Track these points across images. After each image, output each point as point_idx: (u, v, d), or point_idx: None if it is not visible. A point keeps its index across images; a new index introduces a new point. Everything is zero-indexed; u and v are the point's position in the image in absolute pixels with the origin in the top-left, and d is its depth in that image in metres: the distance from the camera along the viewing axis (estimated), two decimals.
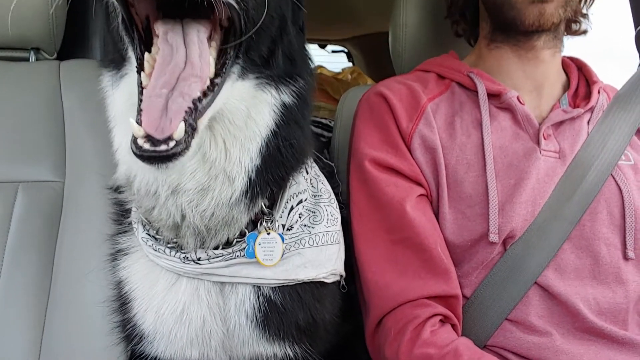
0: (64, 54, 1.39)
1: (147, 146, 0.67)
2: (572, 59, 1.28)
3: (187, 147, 0.69)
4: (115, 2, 0.71)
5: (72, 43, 1.40)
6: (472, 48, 1.36)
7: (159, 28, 0.74)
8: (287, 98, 0.87)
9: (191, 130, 0.71)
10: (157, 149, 0.67)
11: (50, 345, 1.07)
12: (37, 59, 1.36)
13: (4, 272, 1.09)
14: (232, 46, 0.77)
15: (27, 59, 1.35)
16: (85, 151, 1.20)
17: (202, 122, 0.74)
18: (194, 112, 0.71)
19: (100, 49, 1.57)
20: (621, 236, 1.06)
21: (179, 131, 0.68)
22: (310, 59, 0.97)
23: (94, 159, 1.19)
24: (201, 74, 0.73)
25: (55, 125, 1.23)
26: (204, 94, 0.74)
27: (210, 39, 0.77)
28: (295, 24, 0.93)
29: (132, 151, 0.68)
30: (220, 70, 0.77)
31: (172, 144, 0.68)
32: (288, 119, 0.87)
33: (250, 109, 0.84)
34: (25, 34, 1.30)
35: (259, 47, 0.82)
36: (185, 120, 0.70)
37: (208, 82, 0.74)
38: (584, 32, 1.24)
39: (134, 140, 0.68)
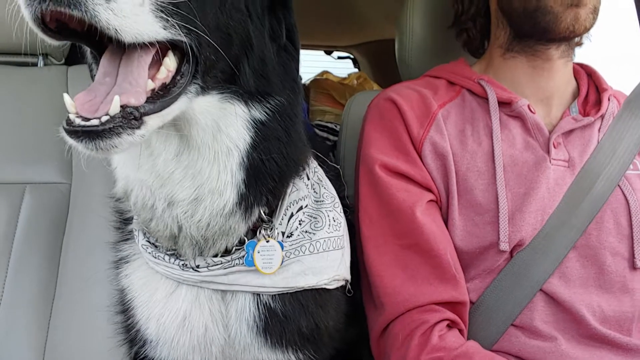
0: (71, 60, 1.40)
1: (78, 121, 0.66)
2: (581, 65, 1.27)
3: (123, 130, 0.67)
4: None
5: (79, 49, 1.41)
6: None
7: (105, 56, 0.74)
8: (259, 114, 0.86)
9: (133, 118, 0.69)
10: (88, 123, 0.66)
11: (55, 346, 1.07)
12: (45, 64, 1.38)
13: (10, 272, 1.10)
14: (188, 67, 0.76)
15: (35, 64, 1.37)
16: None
17: (153, 120, 0.72)
18: (138, 108, 0.70)
19: None
20: (629, 246, 1.05)
21: (113, 107, 0.67)
22: (294, 77, 0.94)
23: (100, 161, 1.19)
24: (137, 87, 0.71)
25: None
26: (153, 98, 0.73)
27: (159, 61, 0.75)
28: (276, 41, 0.92)
29: (63, 128, 0.66)
30: (173, 83, 0.76)
31: (104, 118, 0.66)
32: (266, 135, 0.86)
33: (219, 122, 0.83)
34: (34, 39, 1.31)
35: (218, 67, 0.81)
36: (124, 105, 0.68)
37: (149, 93, 0.72)
38: (581, 44, 1.24)
39: (67, 118, 0.67)
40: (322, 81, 2.49)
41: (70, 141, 0.67)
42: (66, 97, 0.69)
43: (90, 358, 1.07)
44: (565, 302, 1.01)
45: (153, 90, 0.73)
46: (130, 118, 0.68)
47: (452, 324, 1.02)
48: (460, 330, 1.02)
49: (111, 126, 0.66)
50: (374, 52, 3.22)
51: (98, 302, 1.07)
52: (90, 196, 1.19)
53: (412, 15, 1.41)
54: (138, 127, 0.69)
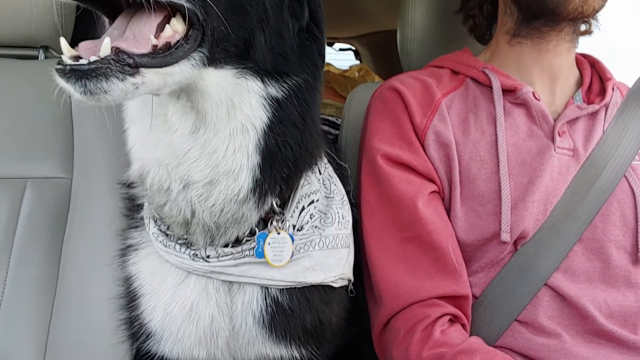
0: None
1: (69, 61, 0.66)
2: (585, 55, 1.27)
3: (113, 73, 0.66)
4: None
5: (81, 41, 1.41)
6: (480, 45, 1.35)
7: (118, 18, 0.75)
8: (275, 92, 0.84)
9: (127, 64, 0.68)
10: (77, 62, 0.66)
11: (56, 342, 1.07)
12: (46, 57, 1.37)
13: (11, 268, 1.10)
14: (194, 33, 0.75)
15: (36, 57, 1.36)
16: (93, 148, 1.21)
17: (151, 74, 0.71)
18: (133, 57, 0.69)
19: None
20: (633, 239, 1.04)
21: (103, 48, 0.66)
22: (314, 60, 0.93)
23: (102, 156, 1.19)
24: (140, 38, 0.71)
25: (63, 122, 1.23)
26: (152, 54, 0.72)
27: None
28: (297, 20, 0.90)
29: (54, 69, 0.66)
30: (177, 46, 0.74)
31: (93, 58, 0.66)
32: (282, 117, 0.85)
33: (233, 98, 0.82)
34: (34, 32, 1.31)
35: (230, 40, 0.79)
36: (118, 49, 0.67)
37: (150, 49, 0.72)
38: (590, 32, 1.23)
39: (60, 60, 0.67)
40: (324, 73, 2.48)
41: (59, 81, 0.66)
42: (62, 40, 0.69)
43: (92, 353, 1.08)
44: (571, 297, 1.01)
45: (155, 47, 0.72)
46: (124, 63, 0.67)
47: (454, 319, 1.01)
48: (463, 325, 1.02)
49: (99, 66, 0.66)
50: (376, 44, 3.20)
51: (100, 296, 1.07)
52: (91, 191, 1.18)
53: (414, 5, 1.40)
54: (131, 75, 0.68)
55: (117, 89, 0.67)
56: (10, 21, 1.26)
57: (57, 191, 1.18)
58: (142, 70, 0.69)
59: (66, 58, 0.67)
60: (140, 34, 0.71)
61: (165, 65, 0.72)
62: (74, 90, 0.66)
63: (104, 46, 0.66)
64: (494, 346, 1.03)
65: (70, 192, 1.19)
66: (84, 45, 0.69)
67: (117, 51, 0.67)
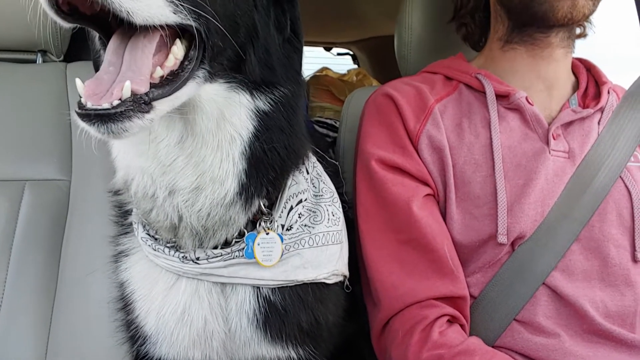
0: (70, 56, 1.40)
1: (89, 104, 0.68)
2: (580, 60, 1.27)
3: (134, 113, 0.69)
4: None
5: (78, 45, 1.41)
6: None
7: (111, 44, 0.75)
8: (263, 105, 0.87)
9: (143, 103, 0.70)
10: (99, 107, 0.67)
11: (57, 344, 1.07)
12: (44, 61, 1.38)
13: (10, 270, 1.10)
14: (195, 52, 0.78)
15: (34, 61, 1.37)
16: (91, 150, 1.21)
17: (162, 105, 0.73)
18: (147, 94, 0.71)
19: None
20: (630, 238, 1.05)
21: (125, 91, 0.68)
22: (297, 69, 0.96)
23: (100, 158, 1.19)
24: (140, 75, 0.72)
25: (61, 125, 1.24)
26: (162, 83, 0.74)
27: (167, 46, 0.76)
28: (281, 33, 0.93)
29: (75, 112, 0.68)
30: (181, 69, 0.77)
31: (116, 102, 0.68)
32: (268, 125, 0.87)
33: (224, 111, 0.84)
34: (32, 36, 1.31)
35: (225, 54, 0.82)
36: (133, 92, 0.69)
37: (157, 80, 0.74)
38: (585, 35, 1.24)
39: (79, 102, 0.69)
40: (322, 77, 2.48)
41: (83, 124, 0.68)
42: (78, 81, 0.70)
43: (92, 355, 1.07)
44: (569, 296, 1.01)
45: (162, 77, 0.74)
46: (140, 102, 0.70)
47: (452, 319, 1.01)
48: (462, 326, 1.02)
49: (122, 109, 0.68)
50: (374, 49, 3.22)
51: (99, 298, 1.07)
52: (90, 193, 1.19)
53: (412, 11, 1.41)
54: (147, 112, 0.71)
55: (136, 127, 0.70)
56: (8, 25, 1.27)
57: (56, 193, 1.18)
58: (154, 103, 0.72)
59: (85, 100, 0.68)
60: (138, 68, 0.72)
61: (174, 92, 0.75)
62: (97, 132, 0.68)
63: (126, 89, 0.68)
64: (493, 346, 1.03)
65: (69, 194, 1.19)
66: (91, 88, 0.70)
67: (133, 93, 0.70)
